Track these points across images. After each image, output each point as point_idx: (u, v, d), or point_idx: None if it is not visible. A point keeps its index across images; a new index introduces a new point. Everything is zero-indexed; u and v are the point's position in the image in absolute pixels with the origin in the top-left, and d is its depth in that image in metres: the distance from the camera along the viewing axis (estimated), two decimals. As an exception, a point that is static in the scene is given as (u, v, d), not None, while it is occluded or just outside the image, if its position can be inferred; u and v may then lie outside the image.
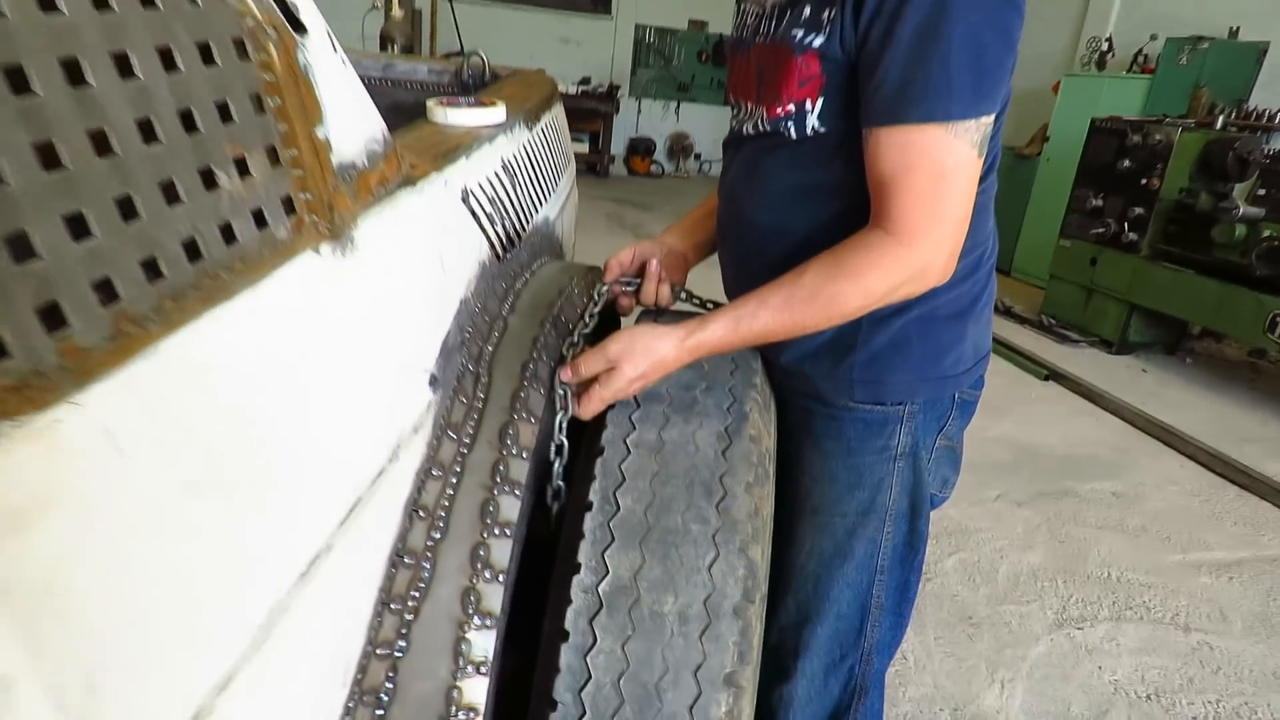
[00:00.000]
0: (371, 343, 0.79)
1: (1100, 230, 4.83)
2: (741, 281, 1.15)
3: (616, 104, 9.71)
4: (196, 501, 0.54)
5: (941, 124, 0.89)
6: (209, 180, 0.64)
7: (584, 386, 1.06)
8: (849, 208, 1.02)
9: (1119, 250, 4.75)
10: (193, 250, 0.61)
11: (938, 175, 0.91)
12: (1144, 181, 4.59)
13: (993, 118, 0.92)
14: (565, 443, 1.06)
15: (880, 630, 1.19)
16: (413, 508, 0.92)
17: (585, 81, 9.84)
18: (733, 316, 1.01)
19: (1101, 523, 3.05)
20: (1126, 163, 4.68)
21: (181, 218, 0.60)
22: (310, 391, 0.68)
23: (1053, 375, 4.47)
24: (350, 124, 0.84)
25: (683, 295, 1.27)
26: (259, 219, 0.68)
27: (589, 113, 9.37)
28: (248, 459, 0.60)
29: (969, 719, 2.09)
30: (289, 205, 0.73)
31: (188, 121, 0.62)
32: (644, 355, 1.01)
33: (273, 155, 0.71)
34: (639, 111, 10.62)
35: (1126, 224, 4.69)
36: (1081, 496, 3.24)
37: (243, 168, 0.67)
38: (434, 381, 0.94)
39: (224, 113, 0.66)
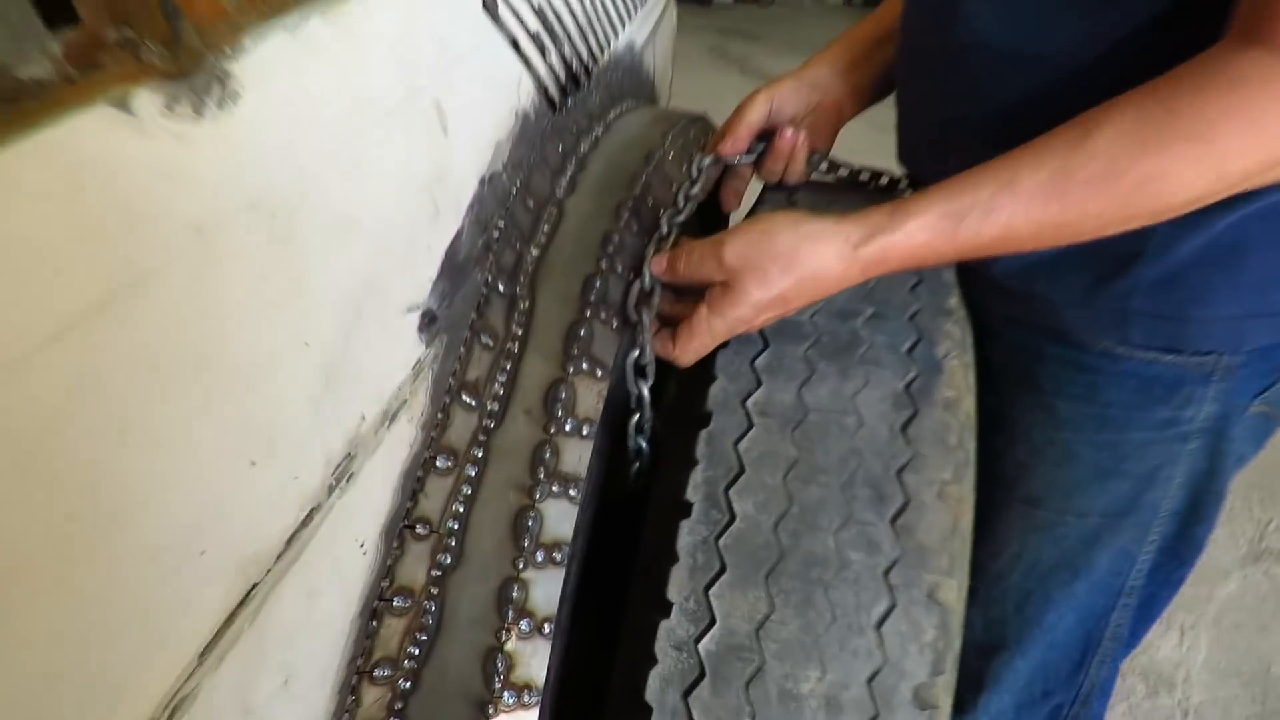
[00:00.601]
0: (274, 285, 0.41)
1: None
2: (947, 146, 0.70)
3: (722, -85, 8.56)
4: None
5: None
6: None
7: (681, 309, 0.67)
8: (1169, 11, 0.56)
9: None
10: None
11: None
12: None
13: None
14: (646, 397, 0.68)
15: (1109, 665, 0.82)
16: (405, 523, 0.58)
17: (687, -112, 8.66)
18: (949, 209, 0.58)
19: (1308, 426, 2.50)
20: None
21: None
22: (106, 411, 0.32)
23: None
24: None
25: (823, 167, 0.84)
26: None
27: (692, -73, 8.30)
28: None
29: (1140, 672, 1.74)
30: (57, 12, 0.34)
31: None
32: (785, 267, 0.61)
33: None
34: (747, -76, 9.37)
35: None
36: None
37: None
38: (430, 321, 0.56)
39: None
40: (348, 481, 0.47)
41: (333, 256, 0.46)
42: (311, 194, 0.44)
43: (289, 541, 0.42)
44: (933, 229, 0.58)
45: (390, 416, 0.51)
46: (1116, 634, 0.79)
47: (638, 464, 0.72)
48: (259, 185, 0.41)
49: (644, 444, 0.70)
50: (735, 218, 0.94)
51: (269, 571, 0.40)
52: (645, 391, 0.67)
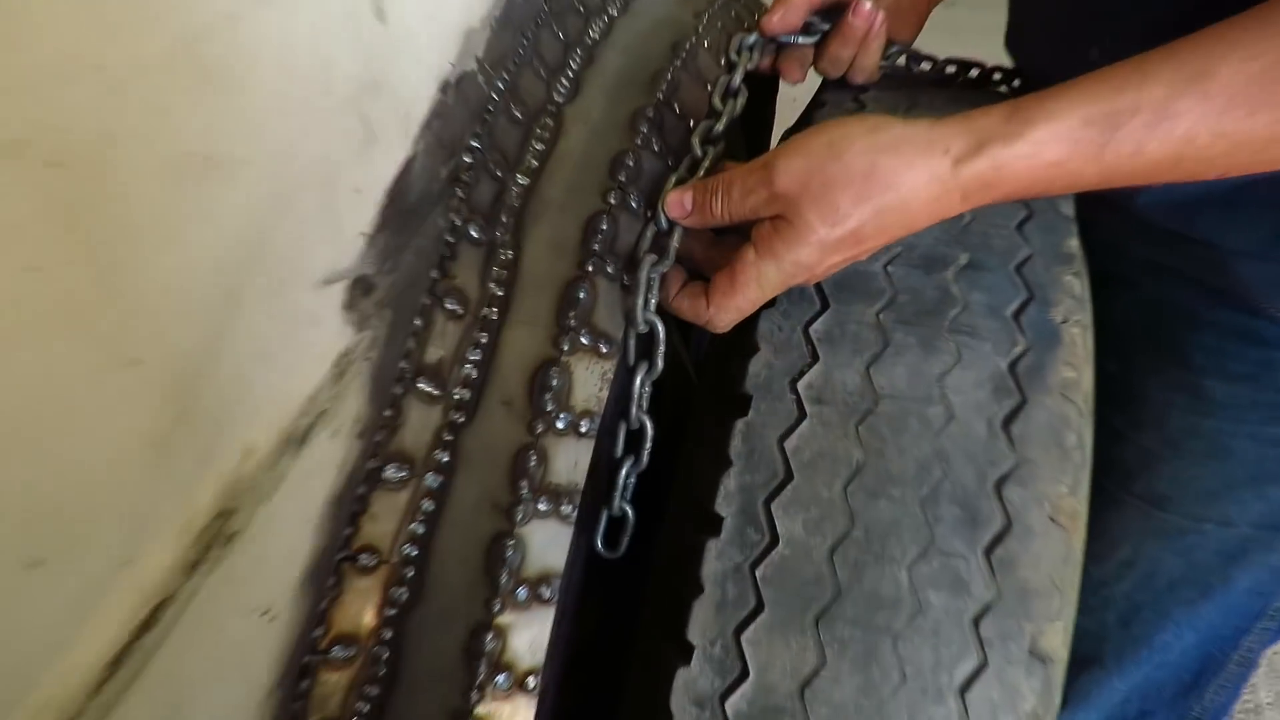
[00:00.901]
0: (60, 279, 0.26)
1: None
2: (1090, 28, 0.51)
3: None
4: None
5: None
6: None
7: (717, 254, 0.51)
8: None
9: None
10: None
11: None
12: None
13: None
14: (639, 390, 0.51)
15: (1229, 691, 0.67)
16: (342, 554, 0.44)
17: None
18: (1098, 112, 0.40)
19: None
20: None
21: None
22: None
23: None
24: None
25: (900, 60, 0.66)
26: None
27: None
28: None
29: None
30: None
31: None
32: (860, 193, 0.44)
33: None
34: None
35: None
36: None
37: None
38: (364, 293, 0.41)
39: None
40: (226, 545, 0.33)
41: (180, 222, 0.30)
42: (138, 125, 0.28)
43: (117, 660, 0.28)
44: (1071, 141, 0.40)
45: (298, 439, 0.37)
46: (1245, 658, 0.65)
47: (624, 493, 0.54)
48: (21, 115, 0.25)
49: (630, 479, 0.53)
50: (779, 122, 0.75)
51: (80, 716, 0.27)
52: (637, 386, 0.51)
